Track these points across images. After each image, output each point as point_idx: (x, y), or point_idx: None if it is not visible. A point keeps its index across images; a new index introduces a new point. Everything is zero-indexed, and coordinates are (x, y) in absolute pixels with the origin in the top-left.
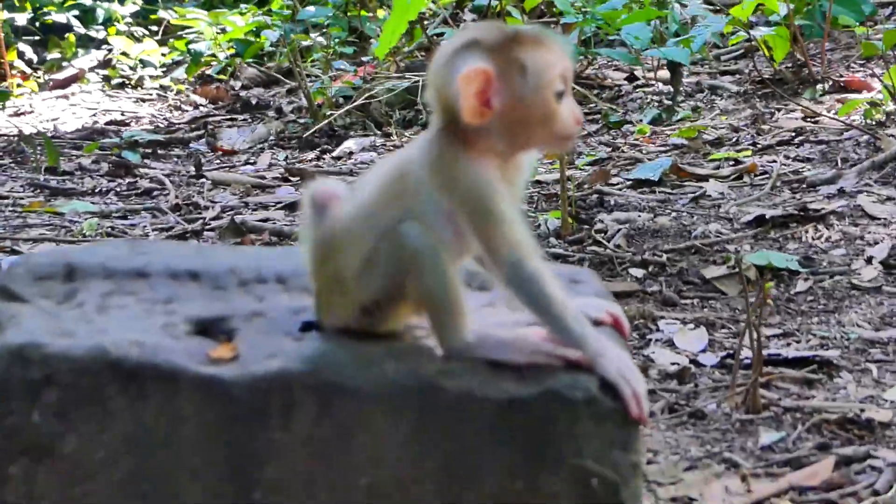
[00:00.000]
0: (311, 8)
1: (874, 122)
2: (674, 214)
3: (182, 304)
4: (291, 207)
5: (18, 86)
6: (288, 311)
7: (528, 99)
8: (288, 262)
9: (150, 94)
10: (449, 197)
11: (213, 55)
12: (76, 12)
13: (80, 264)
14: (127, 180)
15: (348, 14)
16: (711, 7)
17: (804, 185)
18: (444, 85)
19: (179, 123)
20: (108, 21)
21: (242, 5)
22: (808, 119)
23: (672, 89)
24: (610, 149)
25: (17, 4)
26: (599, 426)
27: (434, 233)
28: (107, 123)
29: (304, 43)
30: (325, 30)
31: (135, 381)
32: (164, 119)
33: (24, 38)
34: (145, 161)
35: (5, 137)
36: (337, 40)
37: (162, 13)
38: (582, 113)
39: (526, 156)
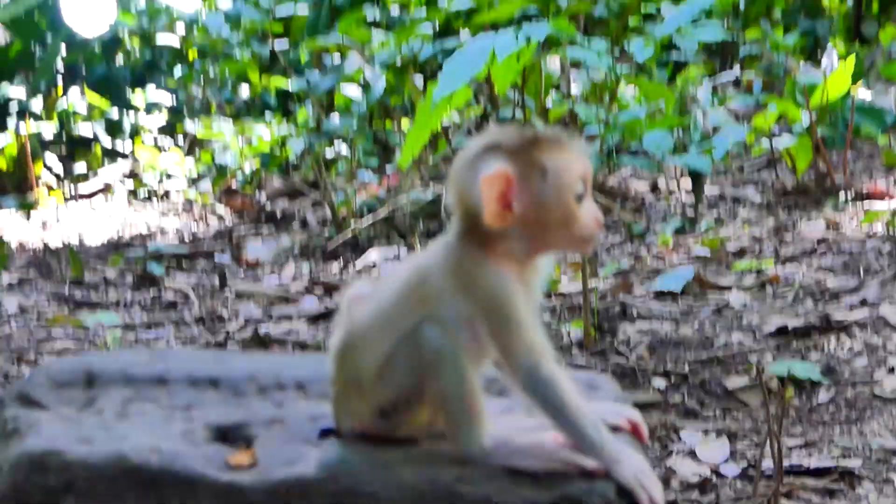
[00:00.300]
0: (336, 117)
1: None
2: (696, 325)
3: (201, 410)
4: (314, 319)
5: (45, 197)
6: (306, 418)
7: (549, 201)
8: (307, 369)
9: (176, 206)
10: (468, 301)
11: (239, 167)
12: (103, 124)
13: (100, 371)
14: (151, 292)
15: (373, 125)
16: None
17: (827, 296)
18: (466, 188)
19: (204, 236)
20: (135, 133)
21: (268, 114)
22: (831, 229)
23: (694, 198)
24: (633, 259)
25: (44, 117)
26: None
27: (453, 336)
28: (132, 236)
29: (329, 154)
30: (349, 140)
31: (154, 488)
32: (189, 231)
33: (50, 149)
34: (170, 273)
35: (31, 251)
36: (361, 151)
37: (188, 125)
38: (602, 215)
39: (544, 258)
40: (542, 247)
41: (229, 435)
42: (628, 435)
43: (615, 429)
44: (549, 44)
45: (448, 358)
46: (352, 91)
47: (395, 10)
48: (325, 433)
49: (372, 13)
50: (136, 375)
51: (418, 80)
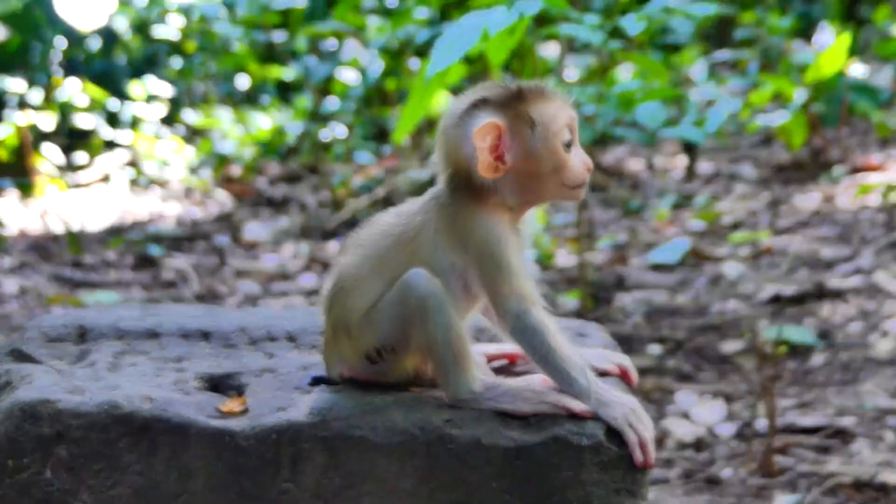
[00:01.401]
0: (334, 100)
1: (891, 203)
2: (692, 294)
3: (193, 362)
4: (312, 294)
5: (45, 186)
6: (297, 367)
7: (539, 151)
8: (298, 321)
9: (176, 194)
10: (462, 251)
11: (238, 155)
12: (103, 115)
13: (92, 326)
14: (151, 273)
15: (370, 109)
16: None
17: (821, 264)
18: (457, 143)
19: (204, 220)
20: (135, 123)
21: (265, 98)
22: (826, 201)
23: (688, 172)
24: (629, 234)
25: (45, 109)
26: (606, 472)
27: (442, 284)
28: (132, 221)
29: (326, 137)
30: (347, 124)
31: (145, 436)
32: (188, 216)
33: (51, 140)
34: (169, 254)
35: (31, 236)
36: (359, 134)
37: (187, 115)
38: (591, 160)
39: (533, 210)
40: (535, 197)
41: (221, 384)
42: (618, 379)
43: (604, 374)
44: (544, 22)
45: (435, 304)
46: (349, 76)
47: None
48: (316, 381)
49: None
50: (128, 329)
51: (415, 63)
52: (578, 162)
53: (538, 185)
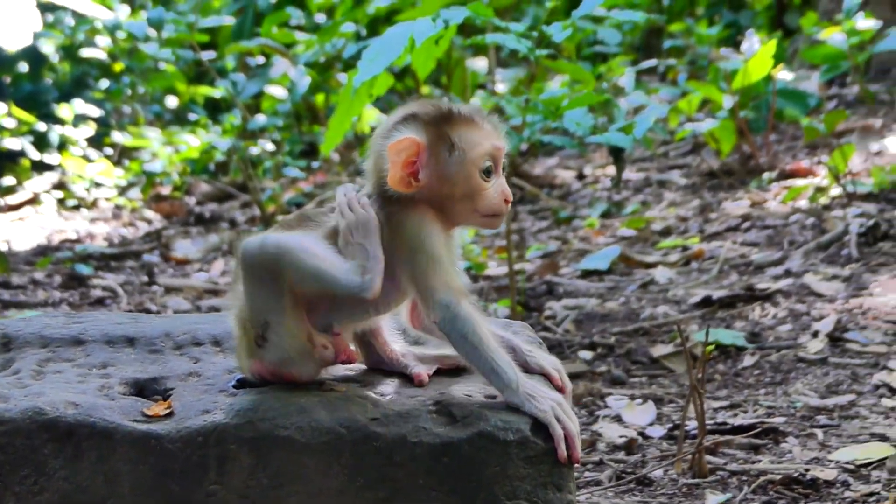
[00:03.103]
0: (262, 117)
1: (819, 206)
2: (622, 299)
3: (118, 367)
4: None
5: None
6: (223, 371)
7: (453, 174)
8: (223, 326)
9: (105, 214)
10: (391, 243)
11: (167, 173)
12: (30, 138)
13: (15, 334)
14: (80, 291)
15: (301, 127)
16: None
17: (751, 268)
18: (380, 153)
19: (133, 238)
20: (63, 145)
21: (192, 116)
22: (755, 206)
23: (616, 178)
24: (560, 242)
25: None
26: (532, 467)
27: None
28: (61, 241)
29: (255, 151)
30: (276, 140)
31: (70, 441)
32: (117, 235)
33: None
34: (98, 273)
35: None
36: (287, 149)
37: (116, 135)
38: (511, 193)
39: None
40: (449, 219)
41: (146, 389)
42: (543, 378)
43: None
44: (470, 32)
45: (292, 247)
46: (277, 92)
47: (320, 18)
48: (241, 383)
49: (296, 17)
50: (53, 336)
51: (343, 78)
52: (495, 192)
53: (450, 208)
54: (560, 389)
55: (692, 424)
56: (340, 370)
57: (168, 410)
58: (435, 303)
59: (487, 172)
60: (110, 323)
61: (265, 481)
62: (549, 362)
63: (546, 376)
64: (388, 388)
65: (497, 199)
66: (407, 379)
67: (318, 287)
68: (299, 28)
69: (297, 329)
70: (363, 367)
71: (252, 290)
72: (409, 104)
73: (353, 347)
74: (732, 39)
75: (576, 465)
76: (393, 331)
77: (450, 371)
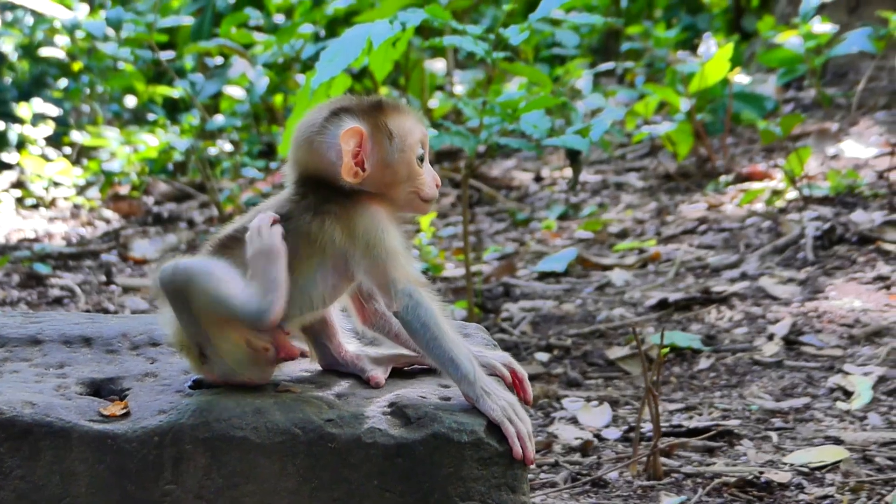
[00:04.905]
0: (220, 117)
1: (776, 209)
2: (579, 302)
3: (75, 367)
4: None
5: None
6: (179, 371)
7: (396, 161)
8: None
9: (64, 213)
10: (343, 235)
11: (125, 173)
12: None
13: None
14: (37, 290)
15: (259, 127)
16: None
17: (707, 271)
18: (320, 149)
19: (91, 238)
20: (21, 144)
21: (151, 116)
22: (712, 209)
23: (572, 180)
24: (517, 244)
25: None
26: (486, 468)
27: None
28: (19, 240)
29: (213, 151)
30: (234, 141)
31: (27, 440)
32: (76, 235)
33: None
34: (56, 272)
35: None
36: (245, 150)
37: (75, 135)
38: (439, 178)
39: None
40: (388, 206)
41: (103, 389)
42: (498, 380)
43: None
44: (428, 34)
45: (195, 272)
46: (236, 92)
47: (279, 18)
48: (197, 384)
49: (255, 17)
50: (9, 336)
51: (301, 79)
52: (429, 177)
53: (392, 193)
54: (512, 384)
55: (647, 427)
56: (296, 371)
57: (124, 410)
58: (397, 292)
59: (421, 159)
60: (67, 323)
61: (220, 481)
62: (499, 358)
63: (497, 375)
64: (343, 390)
65: (430, 182)
66: (362, 380)
67: (222, 312)
68: (258, 29)
69: (232, 342)
70: (318, 368)
71: (175, 313)
72: (329, 101)
73: (303, 344)
74: (690, 42)
75: (530, 466)
76: (347, 332)
77: (404, 372)
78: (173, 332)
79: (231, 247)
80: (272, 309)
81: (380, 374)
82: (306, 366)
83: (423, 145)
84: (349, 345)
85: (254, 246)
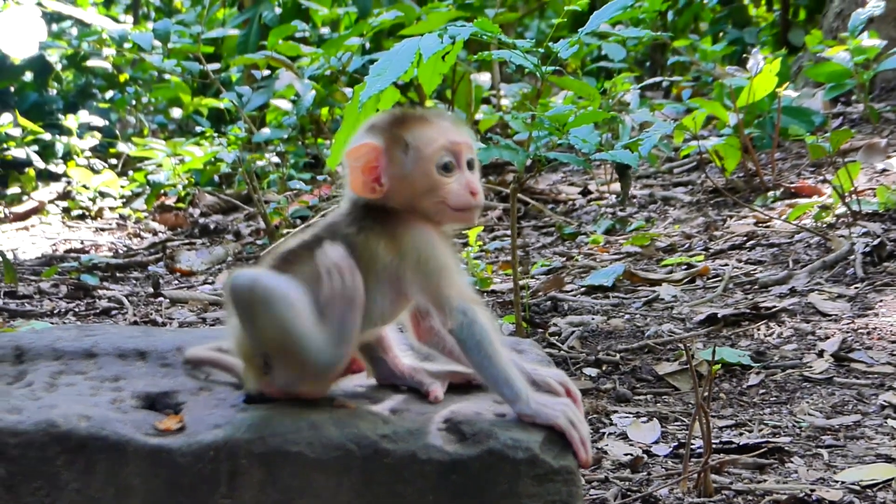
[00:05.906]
0: (266, 129)
1: (825, 225)
2: (627, 317)
3: (130, 381)
4: None
5: None
6: (233, 385)
7: (410, 172)
8: None
9: (110, 224)
10: (394, 253)
11: (172, 184)
12: (36, 147)
13: (28, 346)
14: (85, 301)
15: (305, 140)
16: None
17: (756, 286)
18: (344, 168)
19: (138, 249)
20: (68, 155)
21: (198, 128)
22: (760, 224)
23: (621, 195)
24: (564, 258)
25: None
26: (541, 485)
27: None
28: (66, 251)
29: (260, 163)
30: (280, 150)
31: (82, 453)
32: (123, 246)
33: None
34: (104, 284)
35: None
36: (291, 162)
37: (121, 146)
38: (480, 186)
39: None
40: (426, 220)
41: (157, 403)
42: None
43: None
44: (475, 47)
45: (277, 300)
46: (283, 104)
47: (325, 31)
48: (251, 399)
49: (302, 29)
50: (65, 349)
51: (348, 92)
52: (459, 185)
53: (419, 205)
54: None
55: (698, 443)
56: (351, 386)
57: (179, 424)
58: (452, 310)
59: (447, 168)
60: (122, 336)
61: (275, 496)
62: (554, 376)
63: (552, 392)
64: (397, 405)
65: (463, 191)
66: (416, 395)
67: (290, 346)
68: (304, 41)
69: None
70: (373, 382)
71: (244, 324)
72: (373, 116)
73: (360, 358)
74: (737, 56)
75: (586, 468)
76: (403, 346)
77: (458, 388)
78: (236, 341)
79: (293, 262)
80: (342, 362)
81: (439, 388)
82: (361, 381)
83: (454, 154)
84: (405, 358)
85: (334, 286)
